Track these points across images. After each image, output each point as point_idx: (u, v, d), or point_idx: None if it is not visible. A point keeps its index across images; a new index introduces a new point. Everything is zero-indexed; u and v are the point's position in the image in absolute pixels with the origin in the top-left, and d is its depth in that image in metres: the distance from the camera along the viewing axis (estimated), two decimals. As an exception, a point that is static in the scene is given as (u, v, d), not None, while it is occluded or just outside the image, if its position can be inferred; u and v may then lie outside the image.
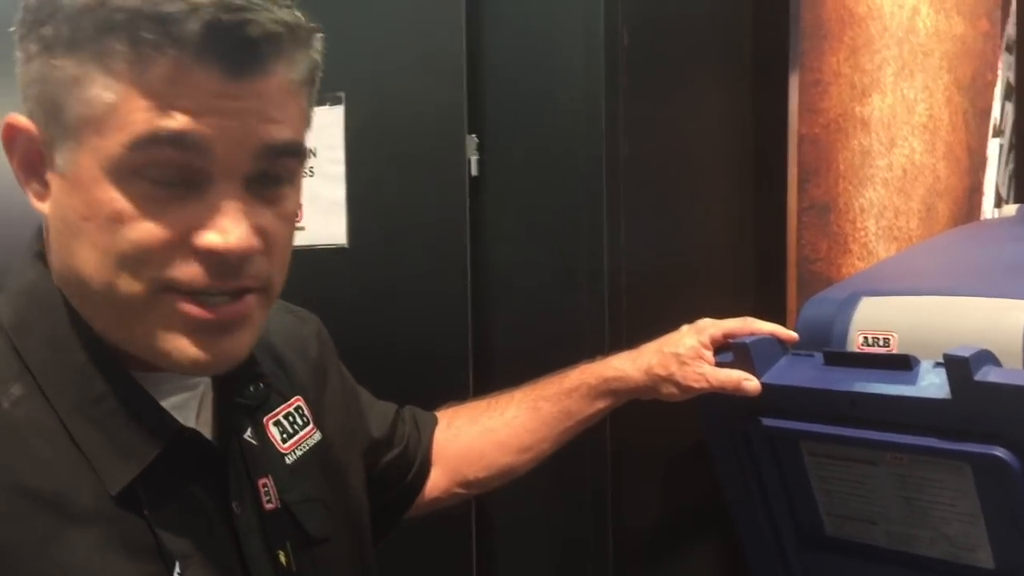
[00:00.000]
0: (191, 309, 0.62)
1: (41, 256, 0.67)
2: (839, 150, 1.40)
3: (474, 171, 1.32)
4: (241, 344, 0.66)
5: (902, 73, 1.43)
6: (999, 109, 1.58)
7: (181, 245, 0.61)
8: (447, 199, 1.32)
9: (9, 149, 0.63)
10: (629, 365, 0.98)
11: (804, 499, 1.00)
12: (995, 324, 0.92)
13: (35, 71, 0.61)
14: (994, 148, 1.58)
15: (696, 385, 0.93)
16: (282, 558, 0.73)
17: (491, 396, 1.04)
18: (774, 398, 0.92)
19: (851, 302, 1.03)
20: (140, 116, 0.58)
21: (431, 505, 1.00)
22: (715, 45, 1.40)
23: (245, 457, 0.73)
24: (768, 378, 0.92)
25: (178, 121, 0.59)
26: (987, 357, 0.81)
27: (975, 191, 1.57)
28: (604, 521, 1.27)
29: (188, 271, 0.61)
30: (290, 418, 0.81)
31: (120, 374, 0.65)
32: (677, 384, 0.95)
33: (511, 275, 1.31)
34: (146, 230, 0.60)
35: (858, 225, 1.46)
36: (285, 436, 0.79)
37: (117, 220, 0.60)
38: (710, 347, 0.95)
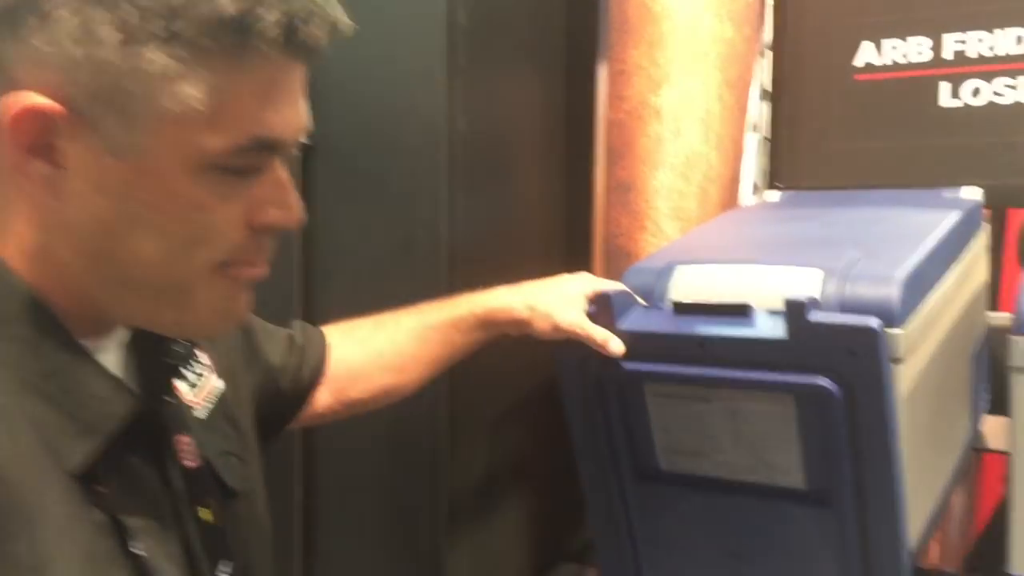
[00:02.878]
0: (250, 271, 0.66)
1: None
2: (639, 135, 1.56)
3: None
4: (251, 301, 0.69)
5: (686, 69, 1.61)
6: (755, 107, 1.80)
7: (246, 221, 0.64)
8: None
9: (16, 129, 0.59)
10: (514, 299, 1.07)
11: (643, 438, 1.12)
12: (790, 287, 1.08)
13: (103, 57, 0.57)
14: (751, 142, 1.80)
15: (570, 329, 1.02)
16: (207, 514, 0.73)
17: (378, 317, 1.08)
18: (631, 344, 1.03)
19: (668, 271, 1.17)
20: (240, 120, 0.60)
21: (311, 420, 1.04)
22: (536, 32, 1.50)
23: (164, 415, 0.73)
24: (626, 325, 1.03)
25: (279, 125, 0.61)
26: (815, 303, 0.96)
27: (737, 179, 1.79)
28: (440, 483, 1.34)
29: (248, 244, 0.64)
30: (191, 368, 0.81)
31: (71, 345, 0.64)
32: (554, 324, 1.04)
33: (346, 245, 1.34)
34: (222, 216, 0.62)
35: (652, 204, 1.62)
36: (192, 388, 0.79)
37: (197, 209, 0.61)
38: (590, 298, 1.06)
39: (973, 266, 1.34)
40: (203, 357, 0.83)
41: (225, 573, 0.74)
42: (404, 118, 1.31)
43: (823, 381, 0.96)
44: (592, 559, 1.53)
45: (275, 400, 0.97)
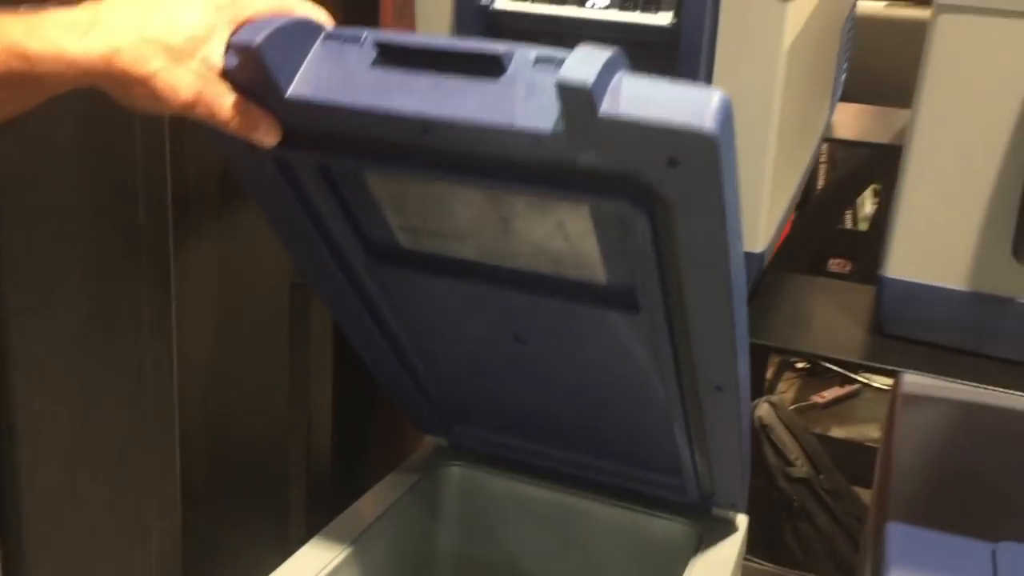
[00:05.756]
0: None
1: None
2: None
3: None
4: None
5: None
6: None
7: None
8: None
9: None
10: (75, 41, 0.55)
11: (369, 218, 0.74)
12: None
13: None
14: None
15: (181, 103, 0.57)
16: None
17: None
18: (311, 117, 0.60)
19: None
20: None
21: None
22: None
23: None
24: (300, 89, 0.59)
25: None
26: (617, 62, 0.53)
27: None
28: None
29: None
30: None
31: None
32: (155, 92, 0.57)
33: None
34: None
35: None
36: None
37: None
38: (230, 43, 0.58)
39: None
40: None
41: None
42: None
43: (624, 203, 0.57)
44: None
45: None
